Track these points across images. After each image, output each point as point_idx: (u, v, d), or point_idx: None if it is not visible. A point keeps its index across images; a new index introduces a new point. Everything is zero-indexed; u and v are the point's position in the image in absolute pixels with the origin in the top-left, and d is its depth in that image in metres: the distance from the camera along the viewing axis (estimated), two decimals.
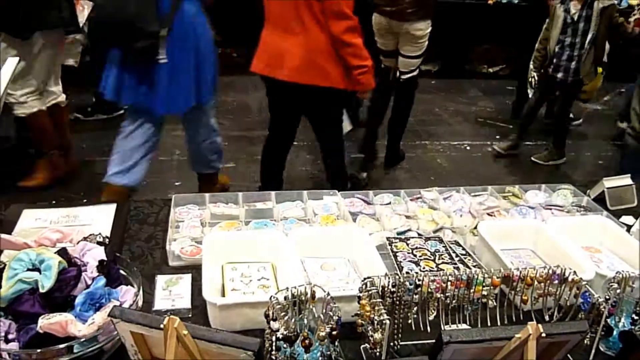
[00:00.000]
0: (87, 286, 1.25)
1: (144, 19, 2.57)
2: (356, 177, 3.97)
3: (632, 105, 3.89)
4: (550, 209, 1.97)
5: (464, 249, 1.70)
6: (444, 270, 1.47)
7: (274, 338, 1.14)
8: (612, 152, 4.90)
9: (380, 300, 1.22)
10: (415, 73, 3.88)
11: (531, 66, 4.45)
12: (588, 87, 4.40)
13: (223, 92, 5.71)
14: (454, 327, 1.35)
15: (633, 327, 1.30)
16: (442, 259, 1.60)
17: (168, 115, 2.98)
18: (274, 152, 3.30)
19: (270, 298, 1.16)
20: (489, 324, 1.38)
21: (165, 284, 1.50)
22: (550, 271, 1.36)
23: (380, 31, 3.79)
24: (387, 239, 1.69)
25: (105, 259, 1.31)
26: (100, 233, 1.46)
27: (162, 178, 3.91)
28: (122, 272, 1.35)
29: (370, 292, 1.23)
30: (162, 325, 1.00)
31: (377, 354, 1.21)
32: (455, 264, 1.57)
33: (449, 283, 1.31)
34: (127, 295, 1.27)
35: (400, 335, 1.30)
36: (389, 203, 1.98)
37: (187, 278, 1.52)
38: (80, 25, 3.43)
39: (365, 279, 1.26)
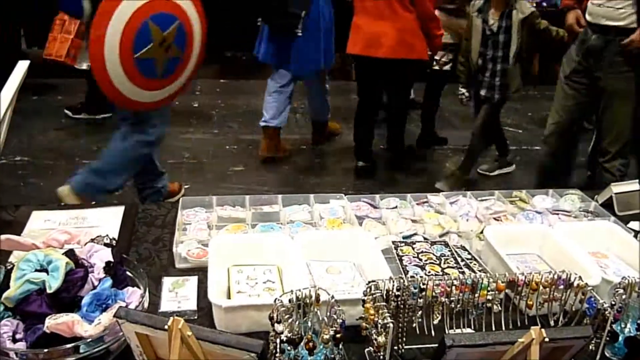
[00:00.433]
0: (94, 287, 1.26)
1: (291, 2, 3.79)
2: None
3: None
4: (558, 214, 1.97)
5: (469, 253, 1.70)
6: (449, 274, 1.47)
7: (278, 340, 1.14)
8: None
9: (385, 303, 1.22)
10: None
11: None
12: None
13: (232, 96, 5.76)
14: (458, 331, 1.35)
15: (639, 333, 1.29)
16: (448, 263, 1.60)
17: (300, 75, 4.19)
18: (365, 121, 4.19)
19: (275, 301, 1.16)
20: (493, 329, 1.38)
21: (171, 285, 1.51)
22: (556, 276, 1.35)
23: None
24: (393, 242, 1.70)
25: (112, 260, 1.32)
26: (108, 235, 1.47)
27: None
28: (128, 273, 1.36)
29: (374, 296, 1.24)
30: (166, 326, 1.01)
31: (381, 357, 1.21)
32: (461, 268, 1.57)
33: (453, 287, 1.31)
34: (133, 296, 1.28)
35: (404, 339, 1.30)
36: (396, 207, 1.99)
37: (193, 280, 1.53)
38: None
39: (369, 282, 1.27)
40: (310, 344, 1.15)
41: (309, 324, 1.19)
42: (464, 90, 3.99)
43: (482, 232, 1.75)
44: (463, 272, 1.52)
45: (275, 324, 1.14)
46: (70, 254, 1.30)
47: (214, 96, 5.79)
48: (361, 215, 1.90)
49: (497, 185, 4.08)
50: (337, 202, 1.96)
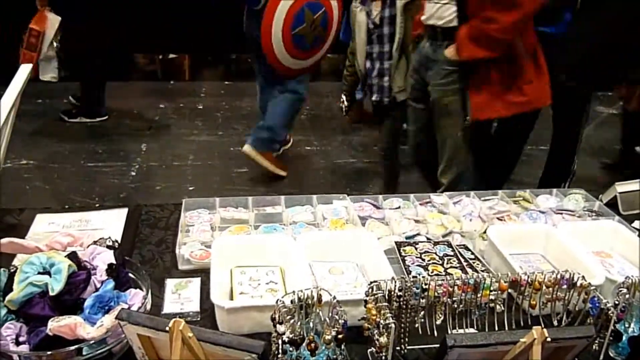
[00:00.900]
0: (97, 289, 1.27)
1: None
2: None
3: None
4: (562, 213, 1.96)
5: (473, 253, 1.70)
6: (451, 274, 1.47)
7: (280, 341, 1.14)
8: None
9: (387, 304, 1.22)
10: None
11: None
12: None
13: (237, 98, 5.76)
14: (461, 331, 1.34)
15: None
16: (451, 263, 1.60)
17: None
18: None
19: (277, 301, 1.16)
20: (496, 329, 1.38)
21: (174, 287, 1.51)
22: (559, 276, 1.35)
23: None
24: (396, 243, 1.69)
25: (114, 262, 1.32)
26: (110, 237, 1.47)
27: (176, 183, 3.94)
28: (131, 275, 1.36)
29: (376, 296, 1.24)
30: (167, 328, 1.01)
31: (384, 357, 1.20)
32: (464, 268, 1.57)
33: (456, 287, 1.31)
34: (136, 298, 1.28)
35: (407, 339, 1.30)
36: (399, 207, 1.98)
37: (196, 282, 1.53)
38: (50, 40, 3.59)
39: (371, 282, 1.26)
40: (312, 344, 1.15)
41: (311, 324, 1.19)
42: (343, 97, 3.57)
43: (485, 232, 1.75)
44: (466, 272, 1.52)
45: (277, 325, 1.15)
46: (72, 256, 1.30)
47: (219, 98, 5.80)
48: (364, 216, 1.89)
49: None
50: (340, 202, 1.96)
